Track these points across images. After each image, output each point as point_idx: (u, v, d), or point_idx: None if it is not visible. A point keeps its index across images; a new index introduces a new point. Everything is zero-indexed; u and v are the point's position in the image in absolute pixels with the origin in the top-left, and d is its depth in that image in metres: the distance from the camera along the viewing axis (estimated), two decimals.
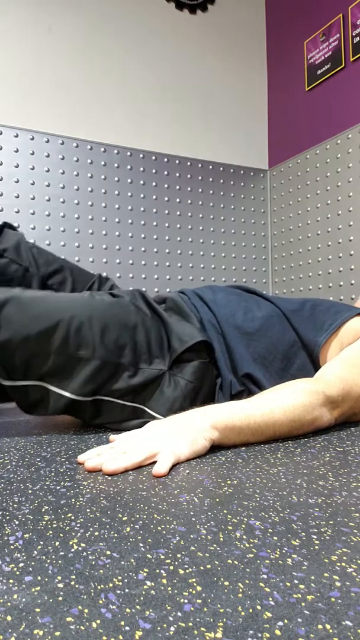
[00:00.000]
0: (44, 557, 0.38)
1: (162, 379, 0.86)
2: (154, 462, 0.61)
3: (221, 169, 2.19)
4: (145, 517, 0.46)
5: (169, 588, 0.33)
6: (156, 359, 0.87)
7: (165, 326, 0.91)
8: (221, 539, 0.41)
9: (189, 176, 2.12)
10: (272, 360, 0.95)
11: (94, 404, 0.83)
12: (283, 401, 0.73)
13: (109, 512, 0.47)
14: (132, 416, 0.86)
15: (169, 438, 0.65)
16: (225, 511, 0.47)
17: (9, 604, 0.31)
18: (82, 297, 0.87)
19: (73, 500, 0.50)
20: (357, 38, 1.85)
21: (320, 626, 0.29)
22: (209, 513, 0.46)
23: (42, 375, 0.80)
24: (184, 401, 0.86)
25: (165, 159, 2.07)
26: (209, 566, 0.36)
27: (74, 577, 0.35)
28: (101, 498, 0.51)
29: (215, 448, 0.69)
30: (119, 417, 0.85)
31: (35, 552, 0.39)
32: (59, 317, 0.80)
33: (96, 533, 0.42)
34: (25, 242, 1.06)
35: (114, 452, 0.63)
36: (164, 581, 0.34)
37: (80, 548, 0.39)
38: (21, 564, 0.37)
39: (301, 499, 0.50)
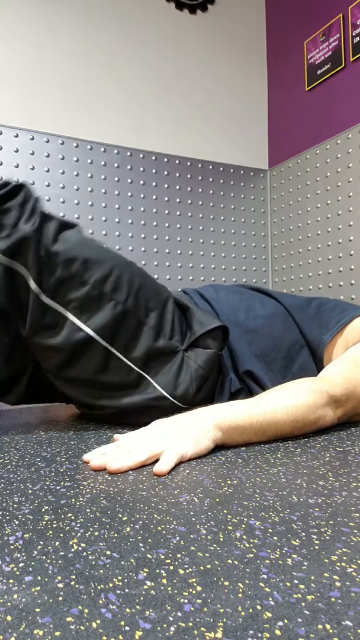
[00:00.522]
0: (44, 557, 0.38)
1: (176, 356, 0.86)
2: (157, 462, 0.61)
3: (221, 169, 2.19)
4: (145, 517, 0.46)
5: (169, 588, 0.33)
6: (176, 335, 0.88)
7: (187, 311, 0.93)
8: (221, 539, 0.41)
9: (189, 176, 2.12)
10: (274, 358, 0.95)
11: (105, 354, 0.82)
12: (286, 401, 0.72)
13: (109, 512, 0.47)
14: (135, 384, 0.84)
15: (173, 438, 0.65)
16: (225, 511, 0.47)
17: (9, 604, 0.31)
18: (128, 259, 0.90)
19: (73, 500, 0.50)
20: (357, 38, 1.86)
21: (320, 626, 0.29)
22: (209, 513, 0.46)
23: (68, 302, 0.80)
24: (191, 385, 0.86)
25: (165, 159, 2.07)
26: (209, 566, 0.36)
27: (74, 577, 0.35)
28: (101, 498, 0.51)
29: (215, 448, 0.69)
30: (122, 380, 0.84)
31: (35, 552, 0.39)
32: (107, 257, 0.84)
33: (96, 533, 0.42)
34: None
35: (119, 451, 0.63)
36: (164, 581, 0.34)
37: (80, 548, 0.39)
38: (21, 564, 0.37)
39: (301, 499, 0.50)
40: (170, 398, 0.85)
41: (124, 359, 0.83)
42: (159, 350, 0.85)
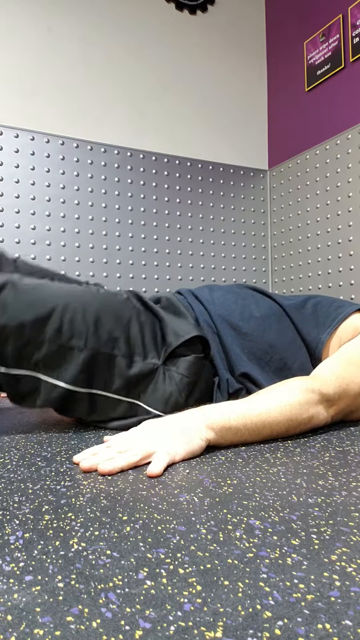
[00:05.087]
0: (44, 557, 0.38)
1: (156, 373, 0.86)
2: (150, 462, 0.61)
3: (221, 169, 2.19)
4: (145, 516, 0.46)
5: (169, 587, 0.33)
6: (150, 353, 0.87)
7: (160, 322, 0.91)
8: (221, 539, 0.41)
9: (189, 176, 2.12)
10: (269, 361, 0.95)
11: (89, 398, 0.83)
12: (279, 400, 0.72)
13: (109, 512, 0.47)
14: (128, 412, 0.85)
15: (164, 438, 0.65)
16: (225, 511, 0.47)
17: (9, 603, 0.32)
18: (78, 288, 0.88)
19: (73, 499, 0.50)
20: (357, 39, 1.86)
21: (320, 625, 0.29)
22: (209, 513, 0.46)
23: (35, 364, 0.80)
24: (180, 395, 0.86)
25: (165, 159, 2.07)
26: (209, 566, 0.36)
27: (74, 576, 0.35)
28: (101, 498, 0.51)
29: (215, 448, 0.69)
30: (114, 414, 0.85)
31: (36, 551, 0.39)
32: (53, 305, 0.81)
33: (96, 532, 0.42)
34: (5, 256, 1.03)
35: (110, 452, 0.62)
36: (164, 581, 0.34)
37: (80, 547, 0.39)
38: (21, 564, 0.37)
39: (301, 499, 0.50)
40: (163, 415, 0.85)
41: (108, 394, 0.84)
42: (138, 374, 0.85)
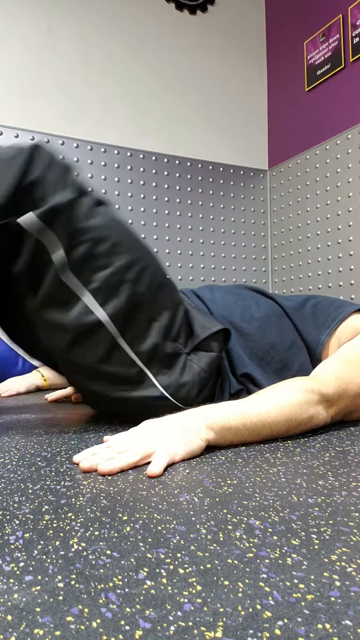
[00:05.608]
0: (44, 557, 0.38)
1: (179, 358, 0.86)
2: (150, 462, 0.61)
3: (221, 169, 2.19)
4: (145, 516, 0.46)
5: (169, 587, 0.33)
6: (180, 338, 0.87)
7: (188, 313, 0.92)
8: (221, 539, 0.41)
9: (189, 176, 2.12)
10: (270, 361, 0.95)
11: (110, 344, 0.81)
12: (279, 400, 0.73)
13: (109, 512, 0.47)
14: (135, 380, 0.83)
15: (164, 438, 0.65)
16: (225, 511, 0.47)
17: (9, 603, 0.32)
18: (155, 256, 0.90)
19: (73, 499, 0.50)
20: (357, 39, 1.86)
21: (320, 626, 0.29)
22: (209, 513, 0.46)
23: (88, 281, 0.78)
24: (192, 389, 0.86)
25: (165, 159, 2.07)
26: (208, 566, 0.36)
27: (74, 576, 0.35)
28: (101, 498, 0.51)
29: (215, 448, 0.69)
30: (122, 373, 0.83)
31: (36, 551, 0.39)
32: (136, 246, 0.84)
33: (96, 532, 0.42)
34: None
35: (110, 452, 0.62)
36: (164, 581, 0.34)
37: (80, 547, 0.39)
38: (21, 564, 0.37)
39: (301, 499, 0.50)
40: (172, 399, 0.84)
41: (129, 351, 0.82)
42: (165, 350, 0.84)
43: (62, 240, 0.76)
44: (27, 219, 0.75)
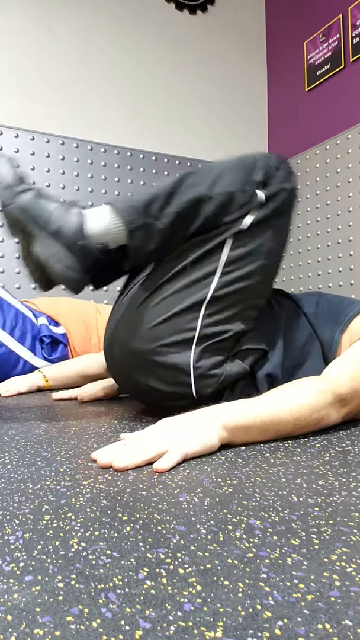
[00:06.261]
0: (44, 557, 0.38)
1: (220, 355, 0.88)
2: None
3: None
4: (145, 516, 0.46)
5: (169, 587, 0.33)
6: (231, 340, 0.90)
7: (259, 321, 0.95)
8: (221, 539, 0.41)
9: None
10: (284, 360, 0.95)
11: (196, 301, 0.86)
12: (291, 400, 0.72)
13: (109, 512, 0.47)
14: (181, 335, 0.86)
15: (180, 437, 0.65)
16: (225, 511, 0.47)
17: (9, 603, 0.32)
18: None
19: (73, 499, 0.50)
20: (357, 39, 1.86)
21: (320, 625, 0.29)
22: (209, 512, 0.46)
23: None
24: (212, 386, 0.87)
25: (165, 159, 2.07)
26: (208, 566, 0.36)
27: (74, 576, 0.35)
28: (101, 498, 0.51)
29: None
30: (181, 320, 0.86)
31: (36, 551, 0.39)
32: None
33: (96, 532, 0.42)
34: None
35: (126, 450, 0.63)
36: (164, 581, 0.34)
37: (80, 547, 0.39)
38: (21, 564, 0.37)
39: (301, 499, 0.50)
40: (192, 379, 0.86)
41: (200, 317, 0.86)
42: (220, 341, 0.87)
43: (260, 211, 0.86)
44: (260, 194, 0.86)
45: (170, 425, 0.69)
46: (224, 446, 0.70)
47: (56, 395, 1.22)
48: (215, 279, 0.86)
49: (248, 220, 0.86)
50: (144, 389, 0.91)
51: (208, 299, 0.86)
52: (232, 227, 0.86)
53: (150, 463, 0.62)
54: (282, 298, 1.05)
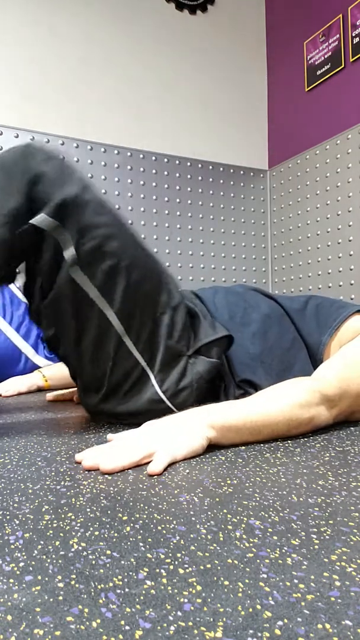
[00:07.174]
0: (44, 557, 0.38)
1: (180, 360, 0.86)
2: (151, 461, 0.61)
3: (221, 169, 2.19)
4: (145, 516, 0.46)
5: (169, 587, 0.33)
6: (183, 340, 0.87)
7: (195, 318, 0.92)
8: (221, 539, 0.41)
9: (189, 176, 2.12)
10: (271, 363, 0.95)
11: (117, 342, 0.82)
12: (280, 400, 0.73)
13: (109, 512, 0.47)
14: (134, 375, 0.84)
15: (166, 437, 0.65)
16: (225, 511, 0.47)
17: (9, 603, 0.32)
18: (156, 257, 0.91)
19: (73, 499, 0.50)
20: (357, 39, 1.86)
21: (320, 626, 0.29)
22: (209, 512, 0.46)
23: (94, 278, 0.79)
24: (191, 395, 0.85)
25: (165, 159, 2.07)
26: (208, 566, 0.36)
27: (74, 576, 0.35)
28: (101, 498, 0.51)
29: (215, 448, 0.69)
30: (122, 365, 0.84)
31: (36, 551, 0.39)
32: (140, 244, 0.85)
33: (96, 532, 0.42)
34: None
35: (112, 451, 0.63)
36: (164, 581, 0.34)
37: (80, 547, 0.39)
38: (21, 564, 0.37)
39: (301, 499, 0.50)
40: (168, 403, 0.84)
41: (130, 346, 0.83)
42: (167, 349, 0.84)
43: (72, 237, 0.77)
44: (40, 219, 0.76)
45: (157, 425, 0.69)
46: (224, 446, 0.70)
47: (50, 396, 1.22)
48: (110, 311, 0.81)
49: (70, 251, 0.78)
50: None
51: (123, 329, 0.83)
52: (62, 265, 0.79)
53: (139, 465, 0.62)
54: (264, 299, 1.04)
